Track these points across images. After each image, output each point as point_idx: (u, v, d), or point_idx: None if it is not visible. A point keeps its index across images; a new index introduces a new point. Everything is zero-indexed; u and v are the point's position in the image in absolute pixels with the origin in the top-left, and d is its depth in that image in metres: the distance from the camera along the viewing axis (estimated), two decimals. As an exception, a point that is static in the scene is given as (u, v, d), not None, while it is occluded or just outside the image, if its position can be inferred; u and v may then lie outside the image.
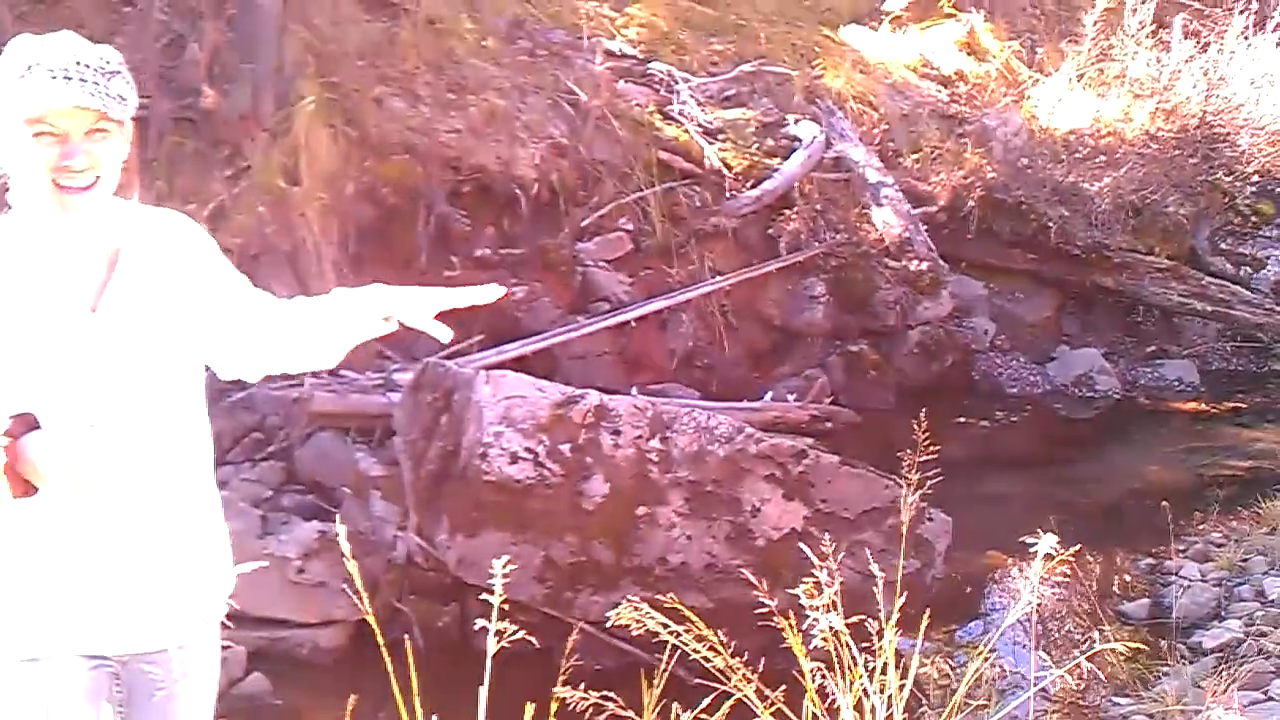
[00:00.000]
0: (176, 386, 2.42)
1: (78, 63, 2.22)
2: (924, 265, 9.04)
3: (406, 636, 3.57)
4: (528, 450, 5.36)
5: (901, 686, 3.30)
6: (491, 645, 2.76)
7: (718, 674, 3.19)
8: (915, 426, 3.98)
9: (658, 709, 3.21)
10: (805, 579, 3.16)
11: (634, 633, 3.21)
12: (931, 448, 3.93)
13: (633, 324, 8.06)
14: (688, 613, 3.23)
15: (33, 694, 2.38)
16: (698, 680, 3.15)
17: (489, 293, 2.41)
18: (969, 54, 11.35)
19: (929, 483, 3.89)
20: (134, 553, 2.39)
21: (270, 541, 5.53)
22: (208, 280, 2.45)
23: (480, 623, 2.79)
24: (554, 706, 3.04)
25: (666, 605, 3.22)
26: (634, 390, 7.42)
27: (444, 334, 2.43)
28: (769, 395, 8.19)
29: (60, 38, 2.26)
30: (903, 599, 3.35)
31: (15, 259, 2.33)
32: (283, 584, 5.41)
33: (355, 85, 7.97)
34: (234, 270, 2.52)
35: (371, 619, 2.90)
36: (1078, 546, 3.38)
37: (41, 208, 2.29)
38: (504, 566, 2.70)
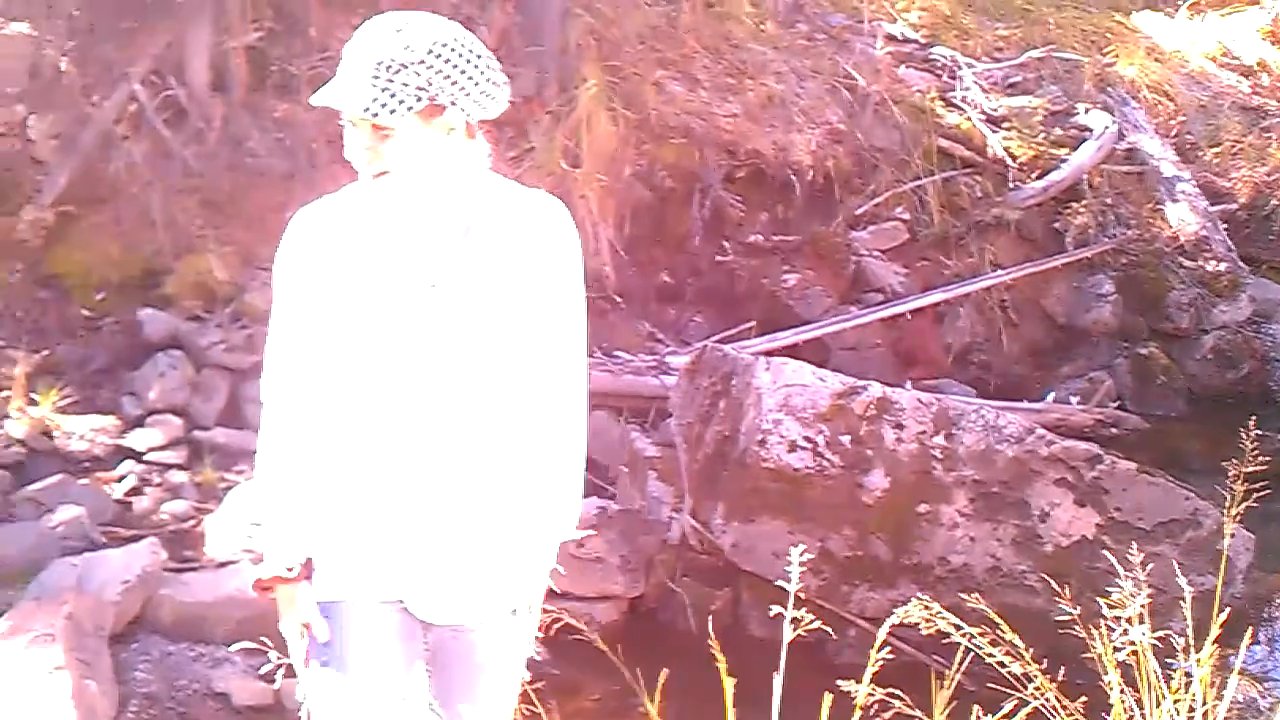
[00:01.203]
0: (513, 365, 2.39)
1: (370, 55, 2.19)
2: (1221, 266, 8.52)
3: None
4: (807, 439, 5.24)
5: (1214, 708, 3.07)
6: (788, 633, 2.68)
7: (1012, 680, 3.02)
8: (1243, 435, 3.68)
9: (947, 711, 3.07)
10: (1096, 589, 2.99)
11: (924, 633, 3.07)
12: (1254, 459, 3.63)
13: (908, 316, 7.84)
14: (992, 614, 3.08)
15: (348, 628, 2.42)
16: (987, 686, 3.00)
17: None
18: (1274, 43, 10.64)
19: (1253, 496, 3.60)
20: (461, 527, 2.39)
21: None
22: (545, 280, 2.40)
23: (775, 609, 2.71)
24: (829, 699, 2.92)
25: (967, 606, 3.08)
26: (908, 384, 7.21)
27: None
28: (1050, 396, 7.84)
29: (366, 29, 2.23)
30: (1223, 617, 3.11)
31: (354, 229, 2.36)
32: (563, 558, 5.42)
33: (635, 69, 7.98)
34: (575, 281, 2.44)
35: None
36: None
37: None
38: (784, 555, 2.65)
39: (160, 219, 6.62)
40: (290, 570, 2.41)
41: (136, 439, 5.89)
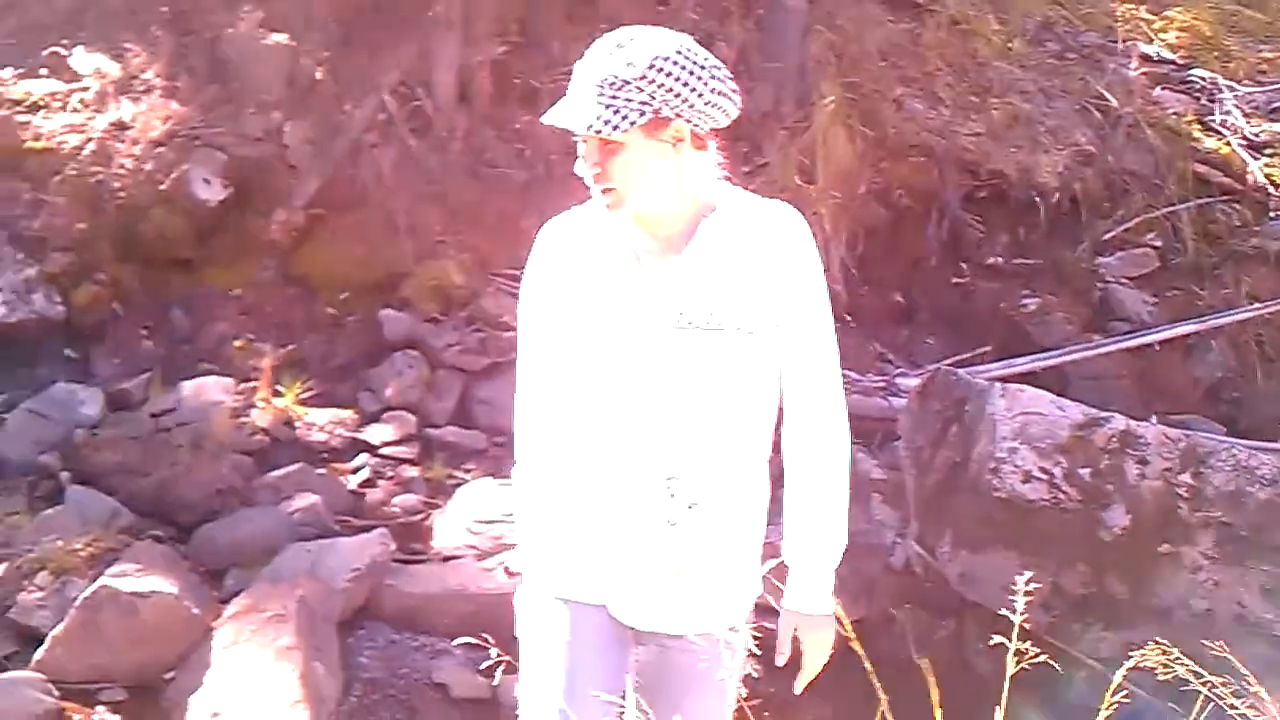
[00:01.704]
0: (751, 383, 2.35)
1: (594, 72, 2.22)
2: None
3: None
4: (1043, 470, 5.03)
5: None
6: (1010, 665, 2.55)
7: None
8: None
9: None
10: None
11: (1160, 678, 2.88)
12: None
13: (1155, 347, 7.46)
14: (1237, 664, 2.88)
15: (559, 626, 2.44)
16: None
17: None
18: None
19: None
20: (688, 542, 2.36)
21: (772, 533, 5.49)
22: (787, 295, 2.36)
23: (996, 639, 2.58)
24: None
25: (1209, 654, 2.88)
26: (1153, 418, 6.86)
27: None
28: (1308, 438, 7.35)
29: (597, 46, 2.25)
30: None
31: (598, 245, 2.37)
32: (782, 575, 5.35)
33: (875, 85, 7.86)
34: (819, 296, 2.41)
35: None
36: None
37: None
38: (1013, 588, 2.51)
39: (403, 224, 6.83)
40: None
41: (372, 433, 6.07)
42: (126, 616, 4.37)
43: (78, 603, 4.39)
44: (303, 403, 6.16)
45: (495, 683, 3.92)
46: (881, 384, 6.85)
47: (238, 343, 6.43)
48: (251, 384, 6.17)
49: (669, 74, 2.21)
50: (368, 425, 6.12)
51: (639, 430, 2.33)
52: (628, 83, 2.20)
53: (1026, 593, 2.54)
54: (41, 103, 6.72)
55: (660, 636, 2.46)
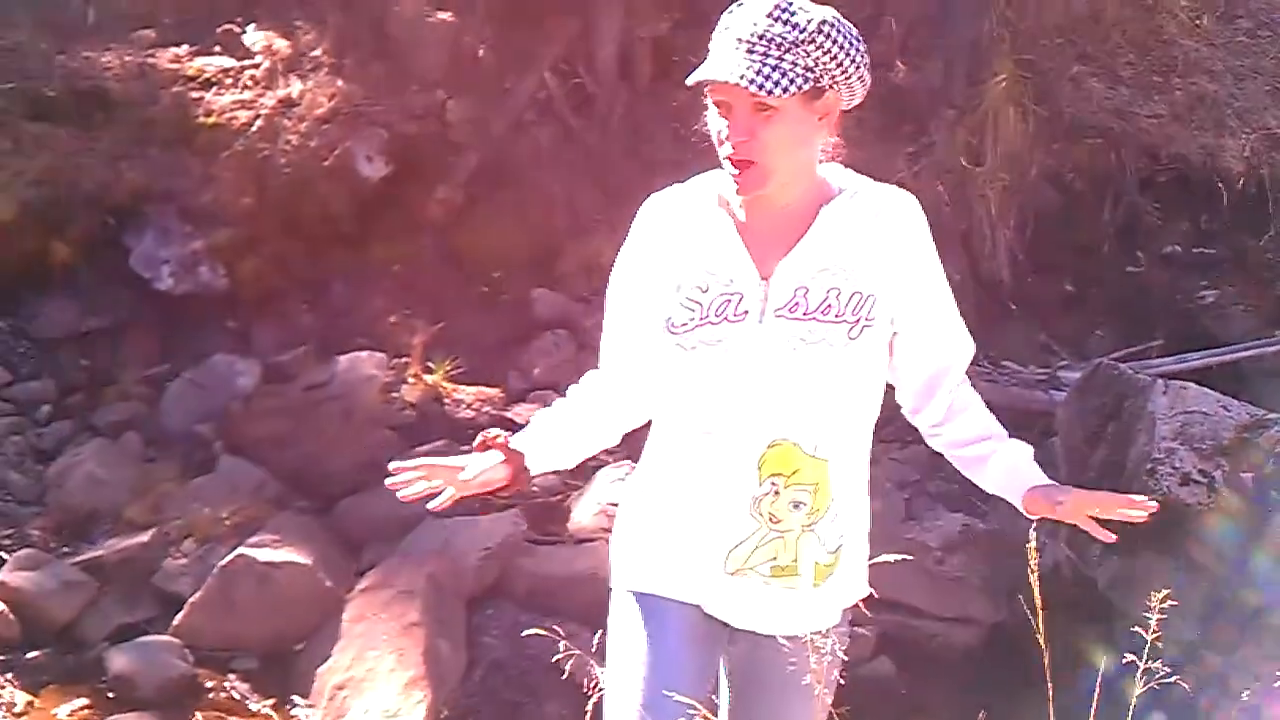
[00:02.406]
0: (862, 379, 2.25)
1: (754, 33, 2.09)
2: None
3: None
4: (1202, 473, 4.75)
5: None
6: (1137, 685, 2.40)
7: None
8: None
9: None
10: None
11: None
12: None
13: (1345, 344, 7.01)
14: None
15: (646, 622, 2.34)
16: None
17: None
18: None
19: None
20: (784, 540, 2.26)
21: (913, 528, 5.35)
22: (909, 286, 2.25)
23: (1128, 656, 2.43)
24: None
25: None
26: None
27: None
28: None
29: (747, 8, 2.12)
30: None
31: (689, 227, 2.27)
32: (920, 573, 5.20)
33: (1051, 63, 7.54)
34: (938, 284, 2.28)
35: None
36: None
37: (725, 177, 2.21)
38: (1161, 600, 2.33)
39: (560, 203, 6.83)
40: (512, 447, 2.32)
41: (519, 412, 6.09)
42: (261, 587, 4.48)
43: (215, 571, 4.51)
44: (452, 379, 6.22)
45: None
46: (1043, 376, 6.59)
47: (392, 318, 6.53)
48: (404, 359, 6.26)
49: (835, 41, 2.10)
50: (515, 404, 6.15)
51: (741, 426, 2.23)
52: (796, 45, 2.08)
53: (1179, 606, 2.39)
54: (214, 79, 6.92)
55: (753, 635, 2.37)
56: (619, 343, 2.37)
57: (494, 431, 2.35)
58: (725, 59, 2.10)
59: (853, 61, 2.13)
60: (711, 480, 2.25)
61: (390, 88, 7.01)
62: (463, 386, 6.22)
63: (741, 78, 2.07)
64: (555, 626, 4.63)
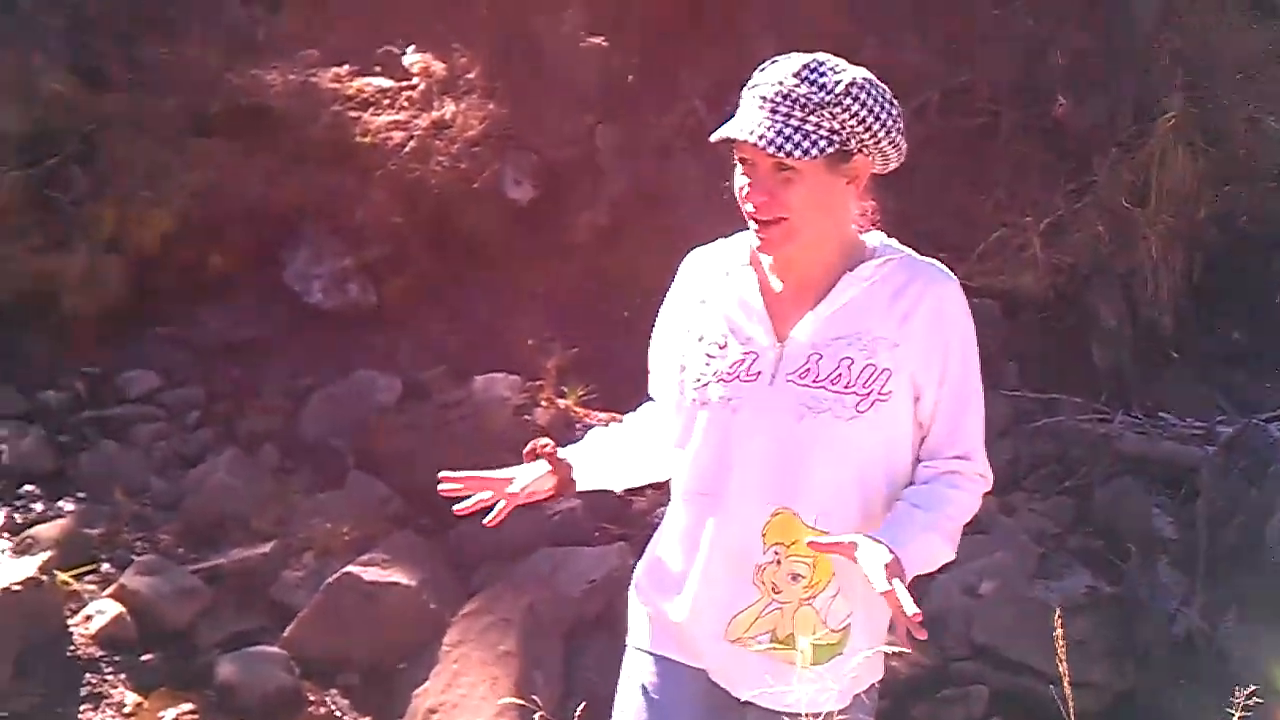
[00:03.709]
0: (873, 452, 2.16)
1: (779, 92, 2.06)
2: None
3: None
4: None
5: None
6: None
7: None
8: None
9: None
10: None
11: None
12: None
13: None
14: None
15: (653, 683, 2.35)
16: None
17: None
18: None
19: None
20: (782, 611, 2.19)
21: (1037, 585, 5.13)
22: (926, 364, 2.16)
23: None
24: None
25: None
26: None
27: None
28: None
29: (790, 59, 2.12)
30: None
31: (719, 282, 2.27)
32: (1041, 632, 4.99)
33: (1227, 101, 7.18)
34: (955, 374, 2.17)
35: None
36: None
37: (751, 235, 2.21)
38: None
39: (704, 230, 6.77)
40: (555, 454, 2.33)
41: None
42: (365, 605, 4.55)
43: (322, 587, 4.60)
44: (584, 404, 6.24)
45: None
46: (1200, 430, 6.26)
47: (531, 341, 6.59)
48: (538, 382, 6.30)
49: (863, 104, 2.07)
50: (644, 431, 6.12)
51: (744, 491, 2.18)
52: (821, 106, 2.06)
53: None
54: (372, 100, 7.09)
55: (767, 711, 2.29)
56: (654, 389, 2.40)
57: (543, 441, 2.37)
58: (748, 117, 2.08)
59: (883, 125, 2.06)
60: (717, 544, 2.20)
61: (541, 111, 7.08)
62: (595, 412, 6.22)
63: (761, 138, 2.04)
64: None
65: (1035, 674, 4.99)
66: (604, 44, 7.07)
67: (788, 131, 2.04)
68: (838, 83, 2.07)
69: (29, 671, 4.24)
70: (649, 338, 2.48)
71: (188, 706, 4.38)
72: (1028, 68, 7.30)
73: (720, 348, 2.21)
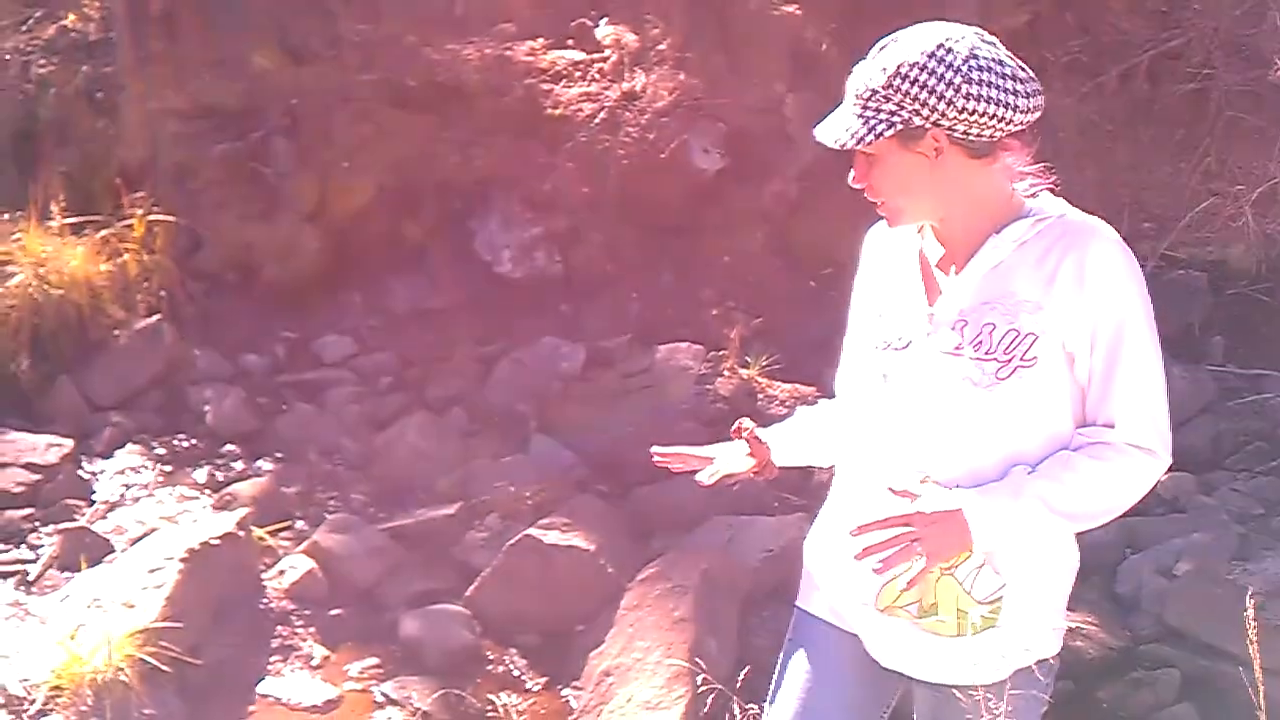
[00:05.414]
0: (1020, 420, 2.09)
1: (850, 84, 2.14)
2: None
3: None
4: None
5: None
6: None
7: None
8: None
9: None
10: None
11: None
12: None
13: None
14: None
15: (813, 645, 2.38)
16: None
17: None
18: None
19: None
20: (927, 581, 2.13)
21: (1235, 568, 4.89)
22: (1081, 325, 2.07)
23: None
24: None
25: None
26: None
27: None
28: None
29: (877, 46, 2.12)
30: None
31: (890, 255, 2.30)
32: (1237, 615, 4.74)
33: None
34: (1120, 333, 2.07)
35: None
36: None
37: None
38: None
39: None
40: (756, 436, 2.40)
41: (828, 411, 5.99)
42: (544, 567, 4.60)
43: (504, 548, 4.68)
44: (767, 374, 6.19)
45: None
46: None
47: (714, 311, 6.57)
48: (721, 352, 6.28)
49: (914, 80, 2.05)
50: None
51: (892, 458, 2.16)
52: (875, 92, 2.09)
53: None
54: (564, 72, 7.16)
55: (920, 682, 2.26)
56: (844, 362, 2.38)
57: (745, 422, 2.45)
58: (834, 113, 2.16)
59: (943, 97, 2.00)
60: (867, 513, 2.16)
61: (731, 81, 7.04)
62: (777, 382, 6.17)
63: (829, 134, 2.12)
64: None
65: (1229, 658, 4.76)
66: (797, 12, 6.98)
67: (850, 122, 2.09)
68: (890, 64, 2.07)
69: (225, 622, 4.42)
70: (834, 309, 2.51)
71: (373, 661, 4.50)
72: (1244, 30, 6.94)
73: (881, 318, 2.24)
